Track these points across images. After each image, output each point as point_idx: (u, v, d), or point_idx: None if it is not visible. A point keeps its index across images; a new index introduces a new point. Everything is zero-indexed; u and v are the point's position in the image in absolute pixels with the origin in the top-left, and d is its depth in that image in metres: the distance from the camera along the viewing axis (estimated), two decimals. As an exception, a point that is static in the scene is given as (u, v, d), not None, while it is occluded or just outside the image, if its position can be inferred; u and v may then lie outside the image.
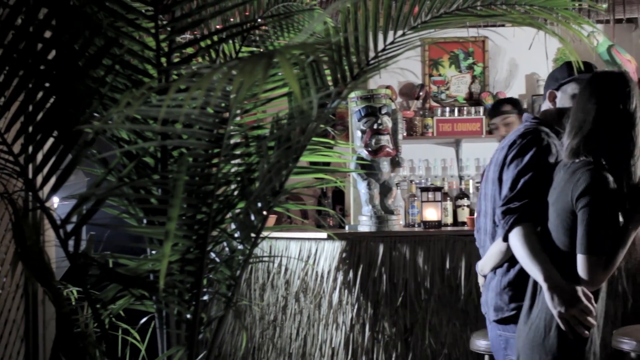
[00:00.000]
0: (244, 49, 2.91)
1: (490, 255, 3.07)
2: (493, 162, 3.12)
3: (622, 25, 6.80)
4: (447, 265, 4.21)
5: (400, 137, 4.67)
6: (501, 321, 3.04)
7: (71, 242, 2.24)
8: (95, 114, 2.31)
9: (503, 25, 6.67)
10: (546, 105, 3.15)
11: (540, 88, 6.93)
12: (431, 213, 4.58)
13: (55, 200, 3.22)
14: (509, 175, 2.91)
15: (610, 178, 2.58)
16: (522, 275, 2.87)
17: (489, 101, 6.87)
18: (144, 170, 2.44)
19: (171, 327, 2.44)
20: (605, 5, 5.18)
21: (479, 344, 3.71)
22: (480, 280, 3.25)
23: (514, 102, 5.45)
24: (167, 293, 2.33)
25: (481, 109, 6.85)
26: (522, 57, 6.95)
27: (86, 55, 2.29)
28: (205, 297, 2.47)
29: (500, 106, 5.29)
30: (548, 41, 6.54)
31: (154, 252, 2.48)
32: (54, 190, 2.23)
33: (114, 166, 2.33)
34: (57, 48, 2.27)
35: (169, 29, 2.43)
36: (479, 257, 4.18)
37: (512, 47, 6.88)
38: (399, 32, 2.44)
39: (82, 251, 2.25)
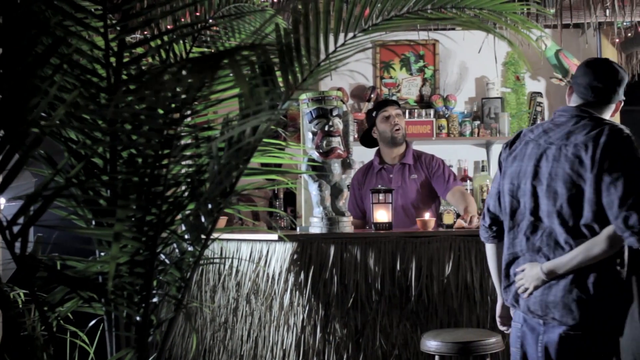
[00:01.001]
0: (194, 49, 2.89)
1: (586, 258, 2.91)
2: (560, 158, 3.01)
3: (569, 30, 6.92)
4: (398, 267, 4.23)
5: (351, 138, 4.68)
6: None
7: (18, 244, 2.21)
8: (43, 114, 2.29)
9: (453, 29, 6.74)
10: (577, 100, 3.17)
11: (490, 91, 7.01)
12: (382, 215, 4.60)
13: (1, 201, 3.17)
14: (615, 177, 2.84)
15: None
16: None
17: (439, 104, 6.94)
18: (92, 171, 2.41)
19: (120, 329, 2.41)
20: (552, 10, 5.26)
21: (430, 344, 3.74)
22: (537, 280, 3.04)
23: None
24: (116, 295, 2.30)
25: (432, 112, 6.91)
26: (472, 60, 7.03)
27: (33, 54, 2.26)
28: (155, 299, 2.45)
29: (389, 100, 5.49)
30: (497, 45, 6.63)
31: (102, 253, 2.46)
32: (0, 191, 2.20)
33: (62, 167, 2.30)
34: (3, 46, 2.24)
35: (118, 28, 2.41)
36: (429, 259, 4.21)
37: (463, 51, 6.95)
38: (350, 34, 2.45)
39: (29, 253, 2.22)
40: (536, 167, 3.09)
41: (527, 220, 3.11)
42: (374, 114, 5.35)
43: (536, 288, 3.05)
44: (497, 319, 3.51)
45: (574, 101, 3.19)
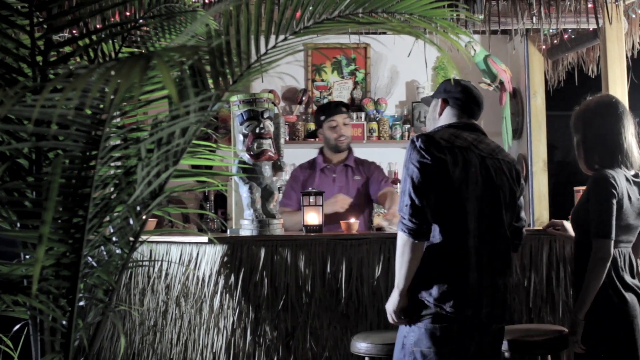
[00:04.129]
0: (124, 49, 2.85)
1: None
2: None
3: (497, 36, 7.04)
4: (328, 269, 4.24)
5: (282, 141, 4.68)
6: None
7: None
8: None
9: (385, 33, 6.78)
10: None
11: (420, 95, 7.09)
12: (312, 217, 4.60)
13: None
14: None
15: None
16: None
17: (370, 107, 6.98)
18: (17, 172, 2.36)
19: (45, 334, 2.37)
20: (481, 17, 5.33)
21: (359, 346, 3.76)
22: None
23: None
24: (41, 299, 2.26)
25: (363, 115, 6.96)
26: (403, 64, 7.09)
27: (-44, 52, 2.21)
28: (82, 303, 2.41)
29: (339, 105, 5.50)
30: (427, 50, 6.69)
31: (27, 256, 2.41)
32: None
33: (-14, 168, 2.25)
34: None
35: (45, 26, 2.37)
36: (359, 261, 4.24)
37: (393, 55, 7.01)
38: (281, 37, 2.45)
39: (-50, 256, 2.17)
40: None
41: None
42: (322, 119, 5.38)
43: None
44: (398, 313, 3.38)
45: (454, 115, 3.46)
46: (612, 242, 3.43)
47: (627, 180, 3.50)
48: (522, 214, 3.56)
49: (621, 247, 3.50)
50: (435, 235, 3.26)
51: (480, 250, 3.25)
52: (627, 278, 3.49)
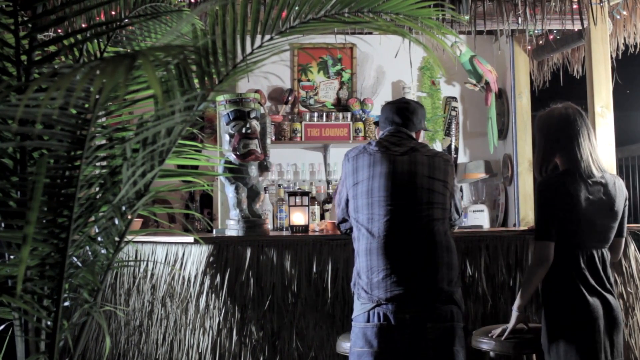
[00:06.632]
0: (109, 48, 2.84)
1: None
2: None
3: (483, 37, 7.06)
4: (314, 269, 4.24)
5: (268, 141, 4.68)
6: None
7: None
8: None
9: (371, 33, 6.79)
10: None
11: (406, 95, 7.10)
12: (298, 217, 4.61)
13: None
14: None
15: None
16: None
17: (356, 107, 6.98)
18: (1, 172, 2.35)
19: (30, 334, 2.36)
20: (467, 17, 5.34)
21: (345, 346, 3.76)
22: None
23: None
24: (25, 299, 2.25)
25: (349, 115, 6.96)
26: (389, 64, 7.11)
27: (-60, 51, 2.19)
28: (67, 303, 2.40)
29: None
30: (414, 50, 6.71)
31: (12, 256, 2.40)
32: None
33: (-30, 167, 2.24)
34: None
35: (29, 25, 2.36)
36: (345, 261, 4.23)
37: (380, 55, 7.03)
38: (267, 37, 2.45)
39: None
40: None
41: None
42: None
43: None
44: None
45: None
46: (552, 245, 3.53)
47: (584, 182, 3.51)
48: (456, 205, 3.62)
49: (588, 249, 3.54)
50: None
51: (400, 246, 3.36)
52: (590, 278, 3.50)
